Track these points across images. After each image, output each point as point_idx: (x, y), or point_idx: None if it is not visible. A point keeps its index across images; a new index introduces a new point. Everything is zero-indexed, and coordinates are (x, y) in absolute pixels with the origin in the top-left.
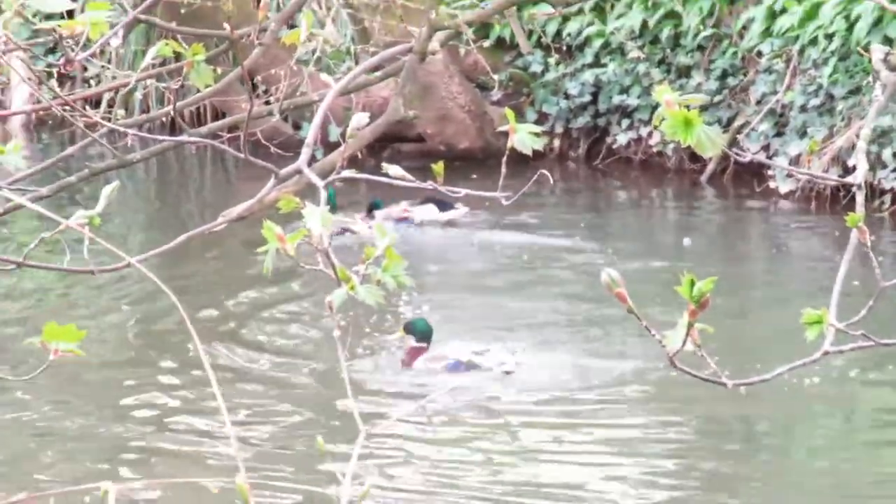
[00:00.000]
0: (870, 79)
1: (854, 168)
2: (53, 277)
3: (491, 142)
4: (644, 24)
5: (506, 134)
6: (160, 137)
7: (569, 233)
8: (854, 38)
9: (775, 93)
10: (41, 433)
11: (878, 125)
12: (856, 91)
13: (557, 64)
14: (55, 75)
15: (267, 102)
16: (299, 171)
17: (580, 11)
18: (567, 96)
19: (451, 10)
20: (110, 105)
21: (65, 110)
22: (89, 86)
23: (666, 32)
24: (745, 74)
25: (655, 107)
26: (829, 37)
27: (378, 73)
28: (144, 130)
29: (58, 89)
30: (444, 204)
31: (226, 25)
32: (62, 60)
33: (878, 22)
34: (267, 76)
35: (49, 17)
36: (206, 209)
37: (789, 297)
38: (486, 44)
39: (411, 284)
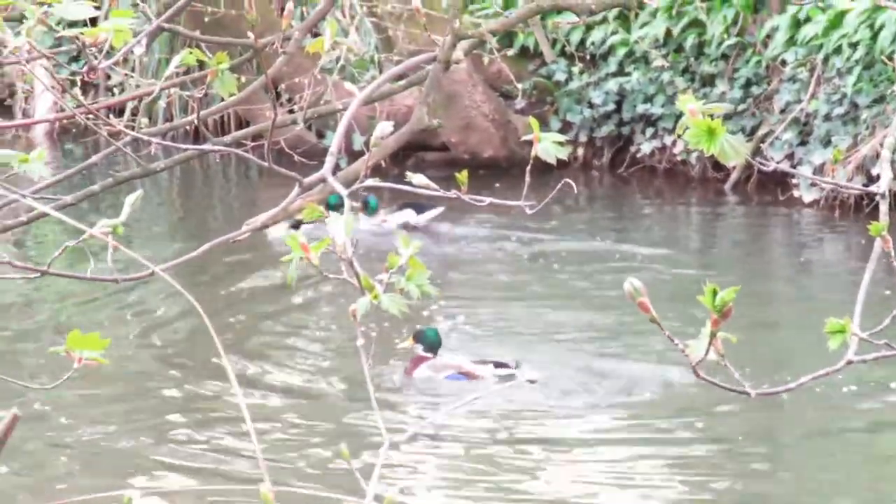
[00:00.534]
0: (894, 88)
1: (878, 177)
2: (74, 285)
3: (515, 150)
4: (668, 33)
5: (530, 143)
6: (184, 146)
7: (593, 241)
8: (878, 46)
9: (799, 101)
10: (60, 443)
11: None
12: (880, 100)
13: (581, 73)
14: (79, 84)
15: (291, 111)
16: (323, 180)
17: (604, 20)
18: (591, 105)
19: (476, 19)
20: (134, 114)
21: (88, 119)
22: (113, 94)
23: (690, 41)
24: (769, 83)
25: (679, 115)
26: (854, 46)
27: (402, 82)
28: (168, 139)
29: (81, 98)
30: (421, 206)
31: (250, 34)
32: (85, 68)
33: None
34: (291, 85)
35: (72, 24)
36: (229, 218)
37: (813, 306)
38: (510, 52)
39: (435, 293)
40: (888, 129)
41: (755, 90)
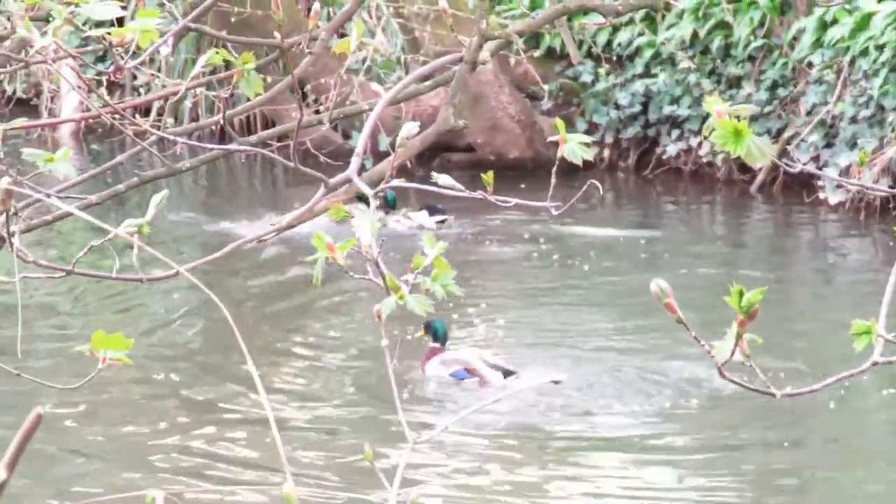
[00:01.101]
0: None
1: None
2: (98, 285)
3: (541, 152)
4: (694, 35)
5: (555, 144)
6: (209, 146)
7: (618, 242)
8: None
9: (826, 104)
10: (79, 444)
11: None
12: None
13: (608, 74)
14: (105, 83)
15: (317, 111)
16: (349, 180)
17: (631, 21)
18: (617, 106)
19: (502, 20)
20: (160, 113)
21: (114, 118)
22: (139, 94)
23: (716, 43)
24: (795, 85)
25: (705, 117)
26: (880, 48)
27: (428, 83)
28: (194, 139)
29: (107, 97)
30: (434, 209)
31: (276, 34)
32: (112, 68)
33: None
34: (317, 85)
35: (99, 24)
36: (255, 218)
37: (839, 308)
38: (537, 54)
39: (460, 294)
40: None
41: (781, 92)
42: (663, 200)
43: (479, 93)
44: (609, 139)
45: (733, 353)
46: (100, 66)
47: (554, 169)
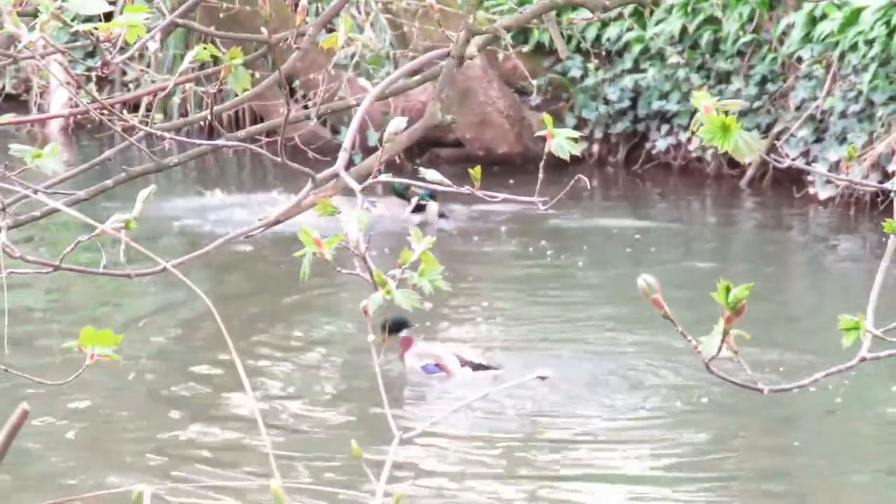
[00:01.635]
0: None
1: (893, 174)
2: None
3: (529, 147)
4: (684, 30)
5: (544, 139)
6: (197, 141)
7: (608, 237)
8: (894, 44)
9: (815, 98)
10: (71, 437)
11: None
12: None
13: (597, 69)
14: (94, 79)
15: (305, 107)
16: (336, 176)
17: (620, 17)
18: (606, 101)
19: (490, 15)
20: (149, 109)
21: (102, 114)
22: (128, 89)
23: (705, 38)
24: (784, 80)
25: (694, 112)
26: (870, 43)
27: (416, 78)
28: (183, 134)
29: (96, 93)
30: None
31: (263, 30)
32: (99, 64)
33: None
34: (306, 81)
35: (88, 19)
36: (248, 214)
37: (828, 303)
38: (526, 49)
39: (449, 288)
40: None
41: (771, 87)
42: (653, 195)
43: (468, 88)
44: (598, 134)
45: (720, 349)
46: (89, 62)
47: (541, 164)
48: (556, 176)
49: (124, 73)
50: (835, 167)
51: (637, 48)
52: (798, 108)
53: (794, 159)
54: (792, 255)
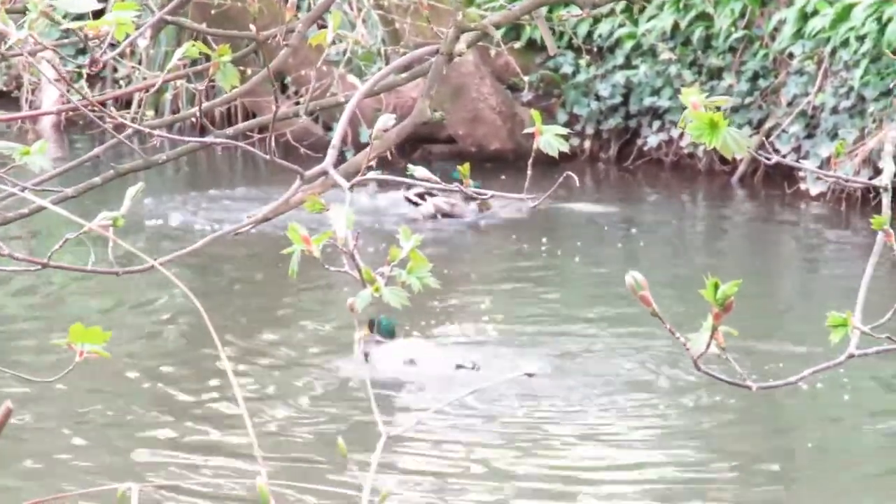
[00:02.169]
0: None
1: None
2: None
3: (522, 143)
4: (675, 26)
5: (534, 135)
6: (186, 138)
7: (599, 233)
8: (886, 40)
9: (806, 94)
10: (62, 434)
11: None
12: (887, 93)
13: (588, 65)
14: (84, 76)
15: (297, 103)
16: (325, 173)
17: (611, 13)
18: (598, 98)
19: (481, 11)
20: (141, 106)
21: (91, 111)
22: (120, 86)
23: (697, 34)
24: (776, 76)
25: (685, 108)
26: (861, 39)
27: (405, 75)
28: (175, 131)
29: (86, 90)
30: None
31: (251, 26)
32: (87, 61)
33: None
34: (297, 77)
35: (80, 17)
36: (238, 210)
37: (819, 299)
38: (517, 45)
39: (437, 286)
40: (893, 123)
41: (762, 83)
42: (644, 192)
43: (460, 84)
44: (590, 130)
45: (708, 345)
46: (80, 59)
47: (530, 161)
48: (548, 172)
49: (115, 69)
50: (826, 163)
51: (629, 44)
52: (789, 104)
53: (785, 155)
54: (783, 250)
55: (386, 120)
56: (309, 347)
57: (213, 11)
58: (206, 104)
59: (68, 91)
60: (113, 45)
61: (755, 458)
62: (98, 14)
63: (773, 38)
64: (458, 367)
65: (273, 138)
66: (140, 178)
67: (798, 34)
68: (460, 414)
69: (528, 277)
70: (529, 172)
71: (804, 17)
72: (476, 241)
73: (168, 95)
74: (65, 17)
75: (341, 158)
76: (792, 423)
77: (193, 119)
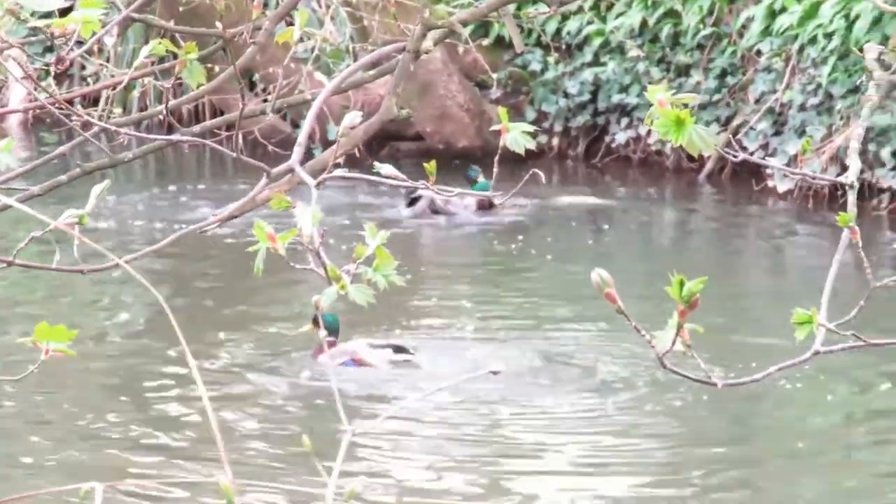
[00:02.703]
0: (863, 78)
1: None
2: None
3: (490, 140)
4: (643, 23)
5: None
6: (152, 136)
7: (567, 228)
8: (853, 37)
9: (774, 91)
10: (23, 434)
11: (877, 124)
12: (855, 90)
13: (557, 63)
14: (51, 74)
15: (265, 101)
16: (292, 170)
17: (580, 10)
18: (566, 95)
19: (448, 8)
20: (108, 103)
21: (58, 109)
22: (87, 84)
23: (665, 31)
24: (744, 73)
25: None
26: (829, 36)
27: (372, 72)
28: (141, 129)
29: (54, 88)
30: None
31: (218, 24)
32: (54, 59)
33: (877, 21)
34: (265, 74)
35: (47, 15)
36: (204, 209)
37: (785, 297)
38: (485, 42)
39: (402, 283)
40: (860, 120)
41: (730, 80)
42: (612, 189)
43: (428, 81)
44: (558, 127)
45: (674, 343)
46: (48, 57)
47: (496, 158)
48: (516, 170)
49: (83, 67)
50: (794, 160)
51: (597, 42)
52: (757, 101)
53: (753, 152)
54: (750, 247)
55: (353, 117)
56: (275, 346)
57: (180, 9)
58: (173, 102)
59: (35, 89)
60: (80, 43)
61: (721, 456)
62: (65, 12)
63: (741, 36)
64: (397, 350)
65: (240, 136)
66: (107, 176)
67: (766, 31)
68: (424, 412)
69: (498, 275)
70: (496, 170)
71: (772, 14)
72: (454, 238)
73: (136, 93)
74: (32, 15)
75: (309, 156)
76: (758, 420)
77: (161, 117)
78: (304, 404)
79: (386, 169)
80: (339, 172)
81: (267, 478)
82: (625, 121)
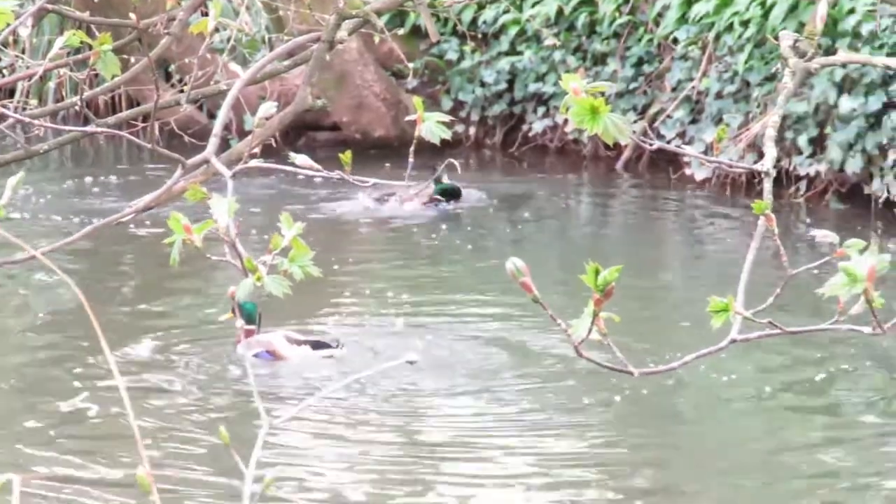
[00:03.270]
0: (779, 65)
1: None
2: None
3: (406, 130)
4: (560, 12)
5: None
6: (67, 128)
7: (483, 218)
8: (769, 25)
9: (691, 80)
10: None
11: (794, 111)
12: (771, 78)
13: (473, 52)
14: None
15: (181, 91)
16: (206, 161)
17: None
18: (483, 84)
19: None
20: (26, 95)
21: None
22: (2, 75)
23: (581, 20)
24: (660, 61)
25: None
26: (745, 24)
27: (287, 62)
28: (58, 120)
29: None
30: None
31: (132, 15)
32: None
33: (793, 9)
34: (182, 65)
35: None
36: (120, 200)
37: (703, 285)
38: (401, 32)
39: (319, 274)
40: (776, 108)
41: (647, 68)
42: (529, 178)
43: (344, 71)
44: (475, 117)
45: (590, 331)
46: None
47: (412, 148)
48: (433, 159)
49: None
50: (711, 148)
51: (513, 30)
52: (674, 90)
53: (670, 140)
54: (668, 236)
55: (267, 108)
56: (193, 337)
57: (96, 0)
58: (88, 93)
59: None
60: None
61: (638, 445)
62: None
63: (657, 24)
64: (317, 346)
65: (156, 127)
66: (22, 167)
67: (682, 19)
68: (342, 401)
69: (417, 266)
70: (411, 160)
71: (688, 2)
72: (385, 230)
73: (52, 84)
74: None
75: (226, 146)
76: (675, 408)
77: (77, 108)
78: (225, 394)
79: (301, 159)
80: (254, 163)
81: (186, 467)
82: (541, 110)
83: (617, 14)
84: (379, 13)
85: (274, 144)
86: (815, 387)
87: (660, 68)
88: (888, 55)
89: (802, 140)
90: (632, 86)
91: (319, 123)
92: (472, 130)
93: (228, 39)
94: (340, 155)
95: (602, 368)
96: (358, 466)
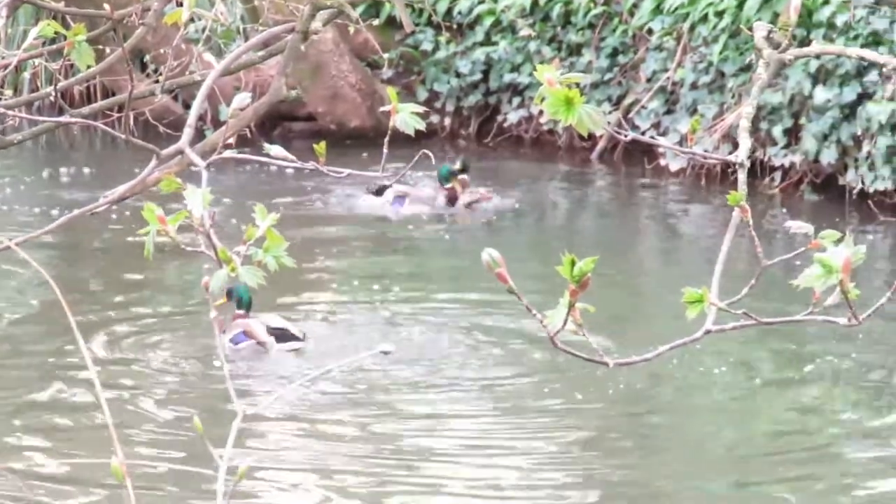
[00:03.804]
0: (752, 56)
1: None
2: None
3: (382, 120)
4: (535, 2)
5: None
6: (41, 118)
7: (459, 212)
8: (744, 15)
9: (666, 70)
10: None
11: (769, 102)
12: (746, 68)
13: (448, 42)
14: None
15: (156, 82)
16: (181, 152)
17: None
18: (458, 75)
19: None
20: (1, 85)
21: None
22: None
23: (556, 10)
24: (635, 52)
25: None
26: (720, 14)
27: (262, 52)
28: (32, 110)
29: None
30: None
31: (106, 6)
32: None
33: (767, 0)
34: (157, 55)
35: None
36: (95, 191)
37: (678, 276)
38: (377, 22)
39: (293, 265)
40: (750, 99)
41: (622, 59)
42: (505, 168)
43: (319, 62)
44: (450, 107)
45: (566, 322)
46: None
47: (386, 139)
48: (407, 150)
49: None
50: (686, 139)
51: (488, 21)
52: (649, 80)
53: (644, 131)
54: (643, 226)
55: (242, 98)
56: (170, 326)
57: None
58: (62, 83)
59: None
60: None
61: (612, 437)
62: None
63: (632, 15)
64: (282, 338)
65: (131, 117)
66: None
67: (657, 10)
68: (317, 391)
69: (392, 260)
70: (385, 151)
71: None
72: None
73: (27, 74)
74: None
75: (200, 137)
76: (650, 399)
77: (52, 98)
78: (202, 383)
79: (275, 150)
80: (229, 153)
81: (162, 458)
82: (517, 100)
83: (592, 5)
84: (354, 4)
85: (249, 135)
86: (791, 379)
87: (635, 59)
88: (862, 46)
89: (777, 131)
90: (607, 76)
91: (295, 114)
92: (447, 121)
93: (203, 30)
94: (315, 146)
95: (579, 360)
96: (330, 459)
